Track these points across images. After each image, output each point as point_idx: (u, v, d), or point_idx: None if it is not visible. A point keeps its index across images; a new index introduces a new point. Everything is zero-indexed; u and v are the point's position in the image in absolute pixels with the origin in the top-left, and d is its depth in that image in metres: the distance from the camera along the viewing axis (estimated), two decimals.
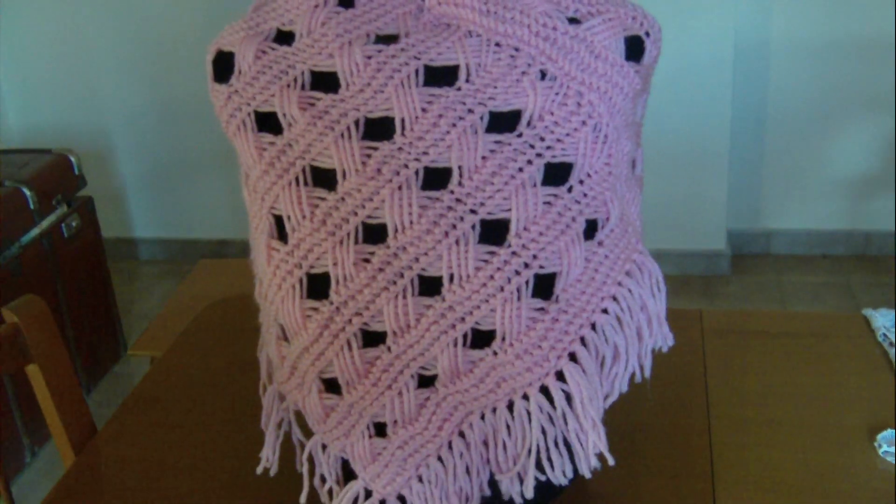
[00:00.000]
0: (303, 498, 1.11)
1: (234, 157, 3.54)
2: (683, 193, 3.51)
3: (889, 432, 1.22)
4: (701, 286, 3.55)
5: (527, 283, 0.96)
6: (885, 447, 1.20)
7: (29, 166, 2.93)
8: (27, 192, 2.83)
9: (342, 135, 0.95)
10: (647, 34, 1.02)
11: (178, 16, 3.58)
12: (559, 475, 1.02)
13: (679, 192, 3.50)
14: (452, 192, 0.95)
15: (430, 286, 0.96)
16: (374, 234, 0.96)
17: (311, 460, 1.11)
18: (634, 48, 1.01)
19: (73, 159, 3.04)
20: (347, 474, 1.08)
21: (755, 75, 3.47)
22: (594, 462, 1.02)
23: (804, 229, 3.70)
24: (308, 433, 1.10)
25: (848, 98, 3.46)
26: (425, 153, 0.94)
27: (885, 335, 1.43)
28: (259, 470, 1.15)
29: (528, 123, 0.96)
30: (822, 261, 3.69)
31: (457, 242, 0.95)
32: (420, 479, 1.04)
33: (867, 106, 3.46)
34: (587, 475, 1.02)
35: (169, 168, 3.85)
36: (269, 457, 1.14)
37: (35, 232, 2.85)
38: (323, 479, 1.10)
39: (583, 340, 1.00)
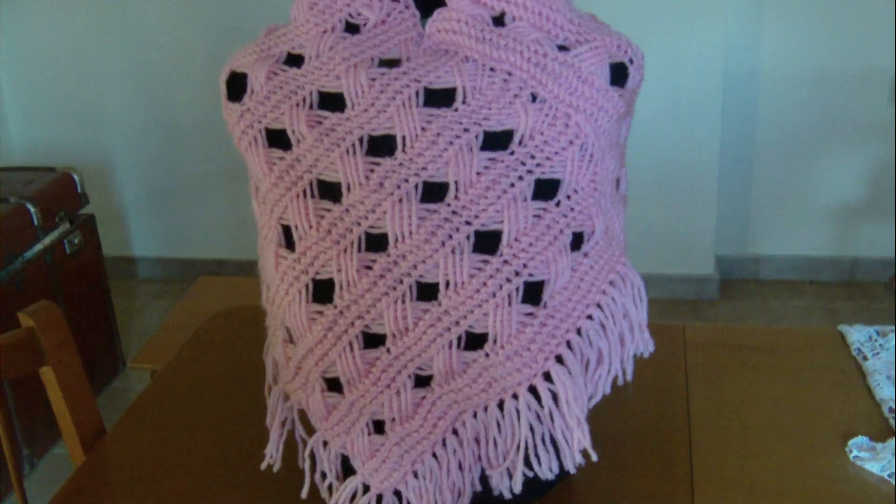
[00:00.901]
0: (304, 493, 1.17)
1: (233, 178, 3.59)
2: (673, 219, 3.57)
3: (860, 439, 1.29)
4: (690, 310, 3.62)
5: (517, 289, 1.03)
6: (856, 452, 1.26)
7: (33, 183, 2.99)
8: (31, 209, 2.89)
9: (347, 151, 1.03)
10: (631, 61, 1.10)
11: (181, 37, 3.64)
12: (546, 471, 1.09)
13: (669, 217, 3.57)
14: (449, 204, 1.02)
15: (427, 292, 1.04)
16: (376, 243, 1.03)
17: (312, 457, 1.17)
18: (619, 74, 1.08)
19: (76, 177, 3.11)
20: (347, 470, 1.15)
21: (744, 104, 3.54)
22: (579, 458, 1.08)
23: (791, 255, 3.76)
24: (310, 431, 1.17)
25: (834, 127, 3.53)
26: (424, 168, 1.02)
27: (859, 349, 1.50)
28: (263, 466, 1.21)
29: (520, 142, 1.03)
30: (808, 286, 3.75)
31: (452, 251, 1.02)
32: (415, 475, 1.11)
33: (853, 135, 3.53)
34: (572, 471, 1.09)
35: (168, 188, 3.90)
36: (272, 454, 1.21)
37: (38, 247, 2.91)
38: (323, 476, 1.16)
39: (569, 344, 1.07)
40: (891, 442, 1.27)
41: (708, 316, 3.58)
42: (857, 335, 1.53)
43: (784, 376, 1.45)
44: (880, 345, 1.50)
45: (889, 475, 1.23)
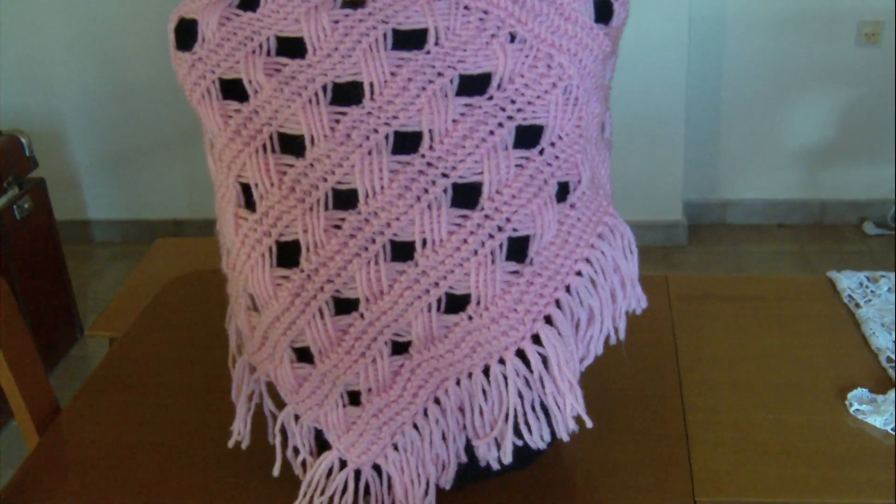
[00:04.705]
0: (276, 470, 1.09)
1: (189, 135, 3.48)
2: (640, 165, 3.52)
3: (859, 391, 1.23)
4: (659, 256, 3.57)
5: (500, 246, 0.95)
6: (856, 405, 1.20)
7: None
8: None
9: (310, 100, 0.94)
10: None
11: None
12: (537, 439, 1.02)
13: (636, 163, 3.51)
14: (423, 156, 0.94)
15: (402, 251, 0.96)
16: (345, 199, 0.95)
17: (283, 432, 1.09)
18: (603, 10, 1.00)
19: (23, 140, 2.99)
20: (321, 445, 1.07)
21: (710, 48, 3.49)
22: (572, 425, 1.01)
23: (760, 199, 3.73)
24: (280, 404, 1.09)
25: (802, 69, 3.49)
26: (395, 117, 0.93)
27: (850, 297, 1.44)
28: (231, 443, 1.13)
29: (499, 86, 0.95)
30: (777, 230, 3.72)
31: (429, 207, 0.94)
32: (395, 448, 1.04)
33: (821, 77, 3.49)
34: (565, 438, 1.02)
35: (122, 149, 3.81)
36: (240, 430, 1.13)
37: None
38: (296, 451, 1.09)
39: (558, 303, 0.99)
40: (891, 393, 1.21)
41: (677, 262, 3.53)
42: (847, 282, 1.47)
43: (775, 327, 1.39)
44: (872, 291, 1.44)
45: (892, 429, 1.17)
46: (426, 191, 0.94)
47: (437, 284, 0.95)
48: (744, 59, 3.49)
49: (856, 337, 1.35)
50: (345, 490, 1.06)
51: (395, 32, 0.94)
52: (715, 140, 3.64)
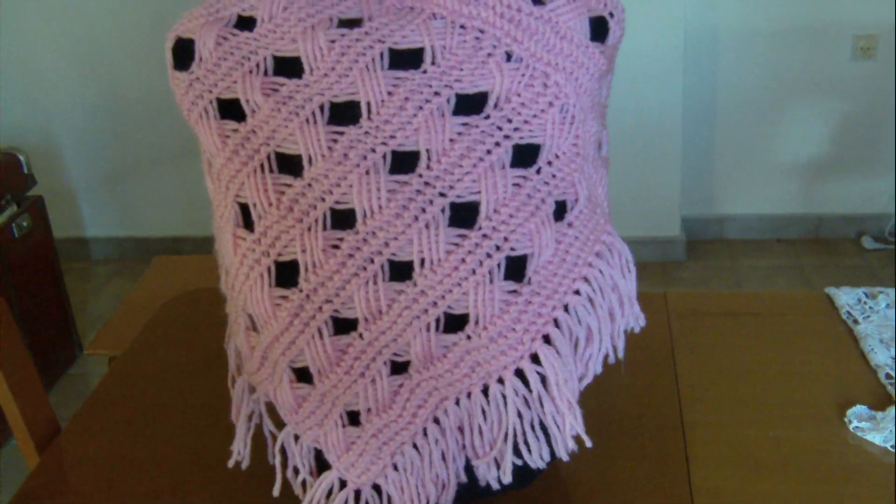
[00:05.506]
0: (276, 490, 1.09)
1: (186, 151, 3.47)
2: (637, 181, 3.52)
3: (859, 408, 1.22)
4: (657, 272, 3.57)
5: (498, 265, 0.95)
6: (856, 423, 1.20)
7: None
8: None
9: (307, 120, 0.94)
10: (612, 15, 1.02)
11: (126, 13, 3.53)
12: (536, 459, 1.02)
13: (633, 179, 3.51)
14: (421, 175, 0.94)
15: (401, 271, 0.95)
16: (343, 219, 0.95)
17: (283, 452, 1.09)
18: (599, 29, 1.01)
19: (21, 158, 2.99)
20: (321, 465, 1.07)
21: (705, 62, 3.49)
22: (571, 444, 1.01)
23: (757, 214, 3.72)
24: (279, 424, 1.09)
25: (797, 84, 3.48)
26: (392, 137, 0.93)
27: (848, 313, 1.44)
28: (230, 464, 1.13)
29: (495, 105, 0.95)
30: (775, 244, 3.71)
31: (426, 226, 0.94)
32: (395, 468, 1.03)
33: (816, 91, 3.49)
34: (565, 458, 1.01)
35: (119, 166, 3.80)
36: (240, 450, 1.12)
37: None
38: (296, 471, 1.08)
39: (556, 322, 0.99)
40: (891, 410, 1.21)
41: (676, 278, 3.53)
42: (845, 298, 1.47)
43: (773, 343, 1.39)
44: (870, 307, 1.44)
45: (892, 446, 1.17)
46: (424, 210, 0.94)
47: (435, 304, 0.95)
48: (739, 74, 3.49)
49: (854, 353, 1.35)
50: None
51: (392, 52, 0.94)
52: (711, 155, 3.64)
